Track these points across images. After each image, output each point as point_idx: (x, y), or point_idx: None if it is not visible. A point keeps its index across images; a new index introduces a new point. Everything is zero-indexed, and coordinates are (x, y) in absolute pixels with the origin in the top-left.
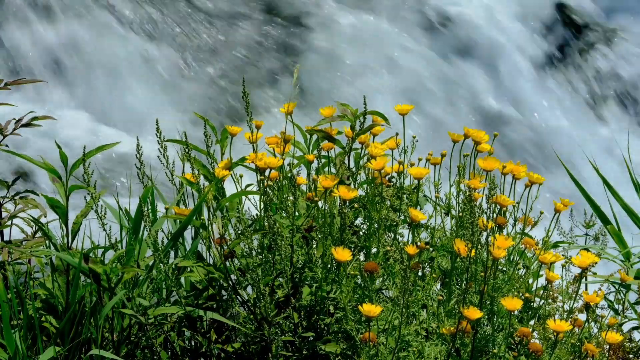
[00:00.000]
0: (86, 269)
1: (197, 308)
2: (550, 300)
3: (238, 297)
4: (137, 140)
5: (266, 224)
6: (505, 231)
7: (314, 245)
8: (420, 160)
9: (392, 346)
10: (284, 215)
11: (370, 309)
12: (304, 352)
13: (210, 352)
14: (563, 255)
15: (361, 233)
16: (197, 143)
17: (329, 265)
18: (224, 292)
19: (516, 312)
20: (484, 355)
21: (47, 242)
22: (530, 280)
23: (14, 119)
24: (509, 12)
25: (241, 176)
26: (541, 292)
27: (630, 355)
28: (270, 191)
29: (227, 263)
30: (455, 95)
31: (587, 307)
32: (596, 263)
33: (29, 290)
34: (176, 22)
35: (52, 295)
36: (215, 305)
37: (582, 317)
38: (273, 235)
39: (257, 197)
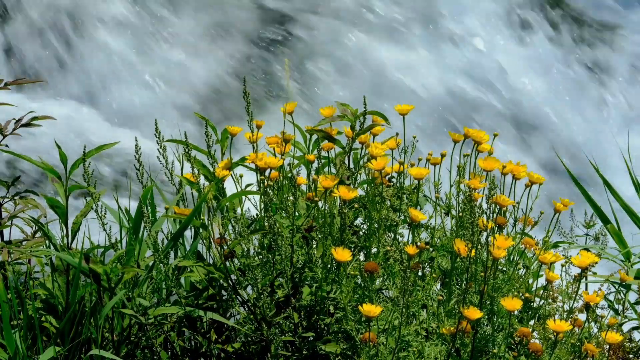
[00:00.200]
0: (86, 269)
1: (197, 308)
2: (550, 300)
3: (238, 297)
4: (136, 140)
5: (266, 224)
6: (505, 231)
7: (314, 245)
8: (420, 160)
9: (392, 346)
10: (284, 215)
11: (370, 309)
12: (304, 352)
13: (210, 352)
14: (563, 255)
15: (361, 233)
16: (197, 143)
17: (329, 265)
18: (224, 292)
19: (516, 312)
20: (484, 355)
21: (47, 242)
22: (530, 280)
23: (14, 119)
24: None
25: (241, 176)
26: (541, 292)
27: (630, 355)
28: (270, 191)
29: (227, 263)
30: None
31: (587, 307)
32: (596, 263)
33: (29, 290)
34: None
35: (52, 295)
36: (215, 305)
37: (582, 317)
38: (273, 236)
39: (257, 197)
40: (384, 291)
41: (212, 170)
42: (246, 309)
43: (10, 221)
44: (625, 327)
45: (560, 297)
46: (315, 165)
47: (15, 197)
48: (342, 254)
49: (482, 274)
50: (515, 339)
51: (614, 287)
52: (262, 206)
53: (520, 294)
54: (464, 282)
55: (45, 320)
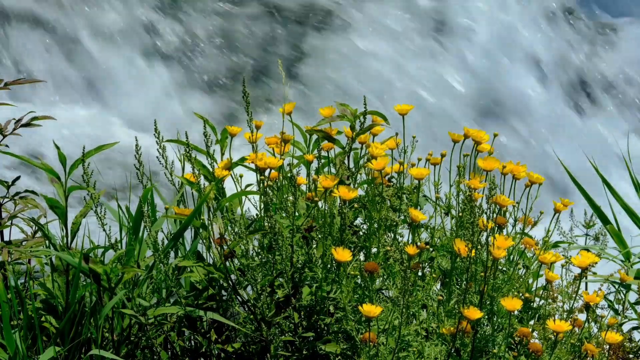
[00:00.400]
0: (86, 269)
1: (197, 308)
2: (550, 300)
3: (238, 297)
4: (136, 140)
5: (266, 224)
6: (505, 231)
7: (314, 245)
8: (420, 160)
9: (392, 346)
10: (284, 215)
11: (370, 309)
12: (304, 352)
13: (210, 352)
14: (563, 255)
15: (361, 233)
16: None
17: (329, 265)
18: (224, 292)
19: (516, 312)
20: (484, 355)
21: (46, 242)
22: (530, 280)
23: (14, 119)
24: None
25: (241, 176)
26: (541, 292)
27: (630, 355)
28: (270, 191)
29: (227, 263)
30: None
31: (587, 307)
32: (596, 263)
33: (29, 290)
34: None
35: (52, 296)
36: (215, 305)
37: (582, 317)
38: (274, 236)
39: (257, 197)
40: (384, 291)
41: (211, 170)
42: (246, 309)
43: (10, 221)
44: (625, 327)
45: (560, 297)
46: (315, 165)
47: (15, 197)
48: (342, 254)
49: (482, 274)
50: (515, 339)
51: (614, 287)
52: (262, 206)
53: (520, 294)
54: (464, 282)
55: (45, 320)
